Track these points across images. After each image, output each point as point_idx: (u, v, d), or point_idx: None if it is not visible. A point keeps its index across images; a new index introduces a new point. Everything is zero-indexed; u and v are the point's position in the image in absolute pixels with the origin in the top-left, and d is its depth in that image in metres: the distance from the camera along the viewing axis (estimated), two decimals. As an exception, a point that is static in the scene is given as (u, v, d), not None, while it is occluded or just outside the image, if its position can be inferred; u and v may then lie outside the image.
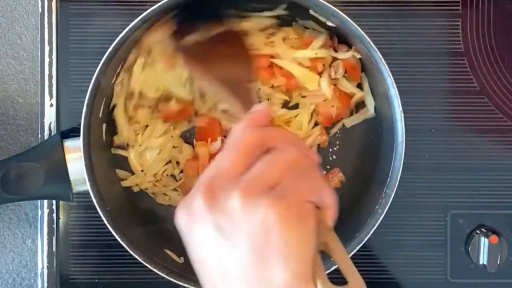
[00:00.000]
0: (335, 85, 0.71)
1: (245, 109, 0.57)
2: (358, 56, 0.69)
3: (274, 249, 0.45)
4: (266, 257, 0.45)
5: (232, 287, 0.47)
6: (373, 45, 0.63)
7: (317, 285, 0.46)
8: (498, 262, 0.70)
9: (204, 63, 0.63)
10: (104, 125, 0.69)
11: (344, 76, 0.71)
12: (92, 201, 0.64)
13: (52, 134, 0.71)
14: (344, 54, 0.70)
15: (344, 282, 0.47)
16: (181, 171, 0.72)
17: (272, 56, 0.70)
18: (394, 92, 0.63)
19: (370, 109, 0.71)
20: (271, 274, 0.45)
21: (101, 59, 0.62)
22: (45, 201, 0.72)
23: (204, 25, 0.65)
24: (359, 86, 0.71)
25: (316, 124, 0.72)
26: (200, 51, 0.64)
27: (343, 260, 0.49)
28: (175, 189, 0.73)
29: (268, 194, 0.46)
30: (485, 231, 0.71)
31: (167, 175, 0.72)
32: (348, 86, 0.71)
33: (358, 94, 0.71)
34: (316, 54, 0.69)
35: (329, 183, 0.52)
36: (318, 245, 0.48)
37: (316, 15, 0.68)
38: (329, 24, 0.68)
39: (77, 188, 0.66)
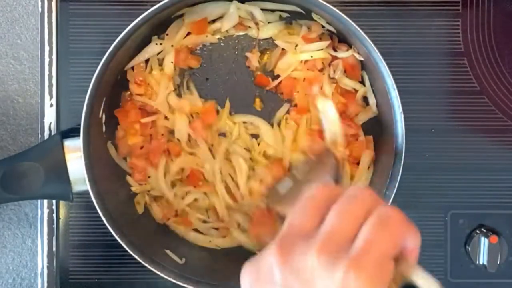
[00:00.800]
0: (336, 83, 0.71)
1: None
2: (360, 58, 0.69)
3: None
4: None
5: None
6: (373, 45, 0.63)
7: None
8: (498, 262, 0.70)
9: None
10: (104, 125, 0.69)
11: (344, 74, 0.71)
12: (92, 201, 0.64)
13: (52, 134, 0.71)
14: (344, 54, 0.70)
15: None
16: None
17: None
18: (394, 94, 0.63)
19: (372, 108, 0.71)
20: None
21: (101, 59, 0.62)
22: (45, 201, 0.72)
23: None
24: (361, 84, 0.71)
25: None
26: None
27: None
28: None
29: (347, 252, 0.42)
30: (485, 231, 0.71)
31: None
32: (349, 83, 0.71)
33: (362, 89, 0.71)
34: (311, 56, 0.69)
35: (412, 224, 0.47)
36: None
37: (316, 18, 0.68)
38: (329, 27, 0.68)
39: (77, 188, 0.66)
